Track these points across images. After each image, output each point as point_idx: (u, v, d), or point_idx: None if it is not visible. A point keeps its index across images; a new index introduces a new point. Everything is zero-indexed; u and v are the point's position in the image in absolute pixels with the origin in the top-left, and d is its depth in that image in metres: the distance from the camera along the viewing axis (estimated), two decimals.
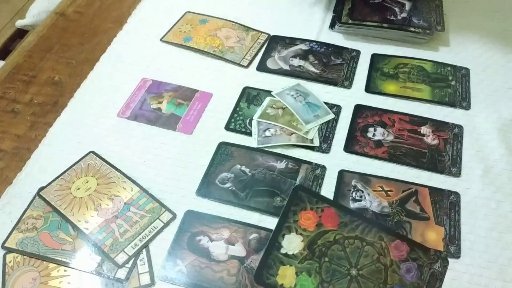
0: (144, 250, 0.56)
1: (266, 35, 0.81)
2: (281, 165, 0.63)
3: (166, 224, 0.58)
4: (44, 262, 0.56)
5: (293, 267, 0.37)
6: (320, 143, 0.65)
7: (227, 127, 0.68)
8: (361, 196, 0.60)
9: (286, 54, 0.77)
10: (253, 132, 0.67)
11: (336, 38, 0.80)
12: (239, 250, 0.56)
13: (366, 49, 0.77)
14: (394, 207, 0.58)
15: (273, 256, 0.36)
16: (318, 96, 0.71)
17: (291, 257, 0.37)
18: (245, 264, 0.55)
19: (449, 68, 0.74)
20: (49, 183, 0.63)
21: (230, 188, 0.61)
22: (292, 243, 0.37)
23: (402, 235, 0.42)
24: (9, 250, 0.57)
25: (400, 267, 0.40)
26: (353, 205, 0.59)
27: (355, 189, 0.60)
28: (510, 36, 0.79)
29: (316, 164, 0.63)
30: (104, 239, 0.57)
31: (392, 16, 0.78)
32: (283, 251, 0.36)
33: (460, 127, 0.66)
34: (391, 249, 0.40)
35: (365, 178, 0.61)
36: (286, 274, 0.37)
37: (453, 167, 0.62)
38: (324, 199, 0.40)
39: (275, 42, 0.79)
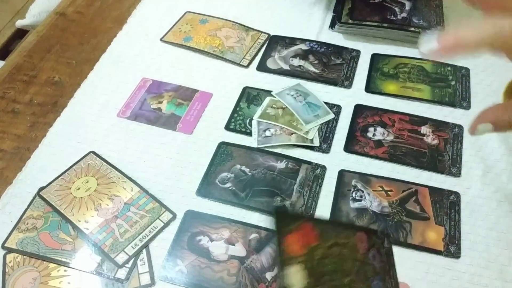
0: (144, 250, 0.56)
1: (266, 35, 0.81)
2: (281, 165, 0.63)
3: (166, 224, 0.58)
4: (44, 262, 0.56)
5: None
6: (320, 143, 0.66)
7: (227, 127, 0.68)
8: (361, 196, 0.60)
9: (286, 54, 0.77)
10: (253, 132, 0.67)
11: (336, 38, 0.80)
12: (239, 250, 0.56)
13: (366, 49, 0.77)
14: (394, 207, 0.58)
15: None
16: (318, 96, 0.71)
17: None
18: (245, 264, 0.55)
19: (449, 68, 0.74)
20: (49, 183, 0.63)
21: (230, 188, 0.61)
22: (296, 276, 0.36)
23: (355, 225, 0.44)
24: (9, 250, 0.57)
25: (368, 257, 0.40)
26: (353, 205, 0.59)
27: (355, 189, 0.60)
28: None
29: (316, 164, 0.63)
30: (104, 239, 0.57)
31: (392, 16, 0.78)
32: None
33: (460, 127, 0.66)
34: (357, 243, 0.41)
35: (365, 178, 0.61)
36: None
37: (453, 167, 0.62)
38: (296, 216, 0.40)
39: (275, 42, 0.79)
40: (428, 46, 0.35)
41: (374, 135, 0.66)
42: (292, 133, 0.66)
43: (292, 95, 0.71)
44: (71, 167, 0.64)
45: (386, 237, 0.43)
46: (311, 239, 0.38)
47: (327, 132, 0.67)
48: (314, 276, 0.37)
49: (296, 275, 0.36)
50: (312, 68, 0.75)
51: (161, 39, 0.81)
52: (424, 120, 0.67)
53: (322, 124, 0.68)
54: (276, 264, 0.37)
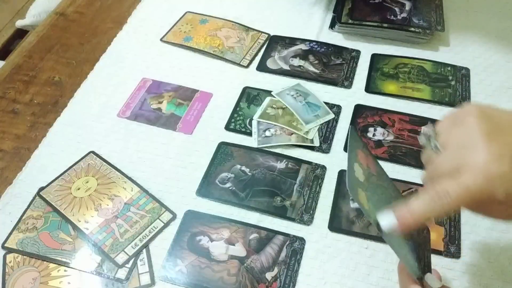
0: (144, 250, 0.56)
1: (266, 35, 0.81)
2: (281, 165, 0.63)
3: (166, 224, 0.58)
4: (44, 262, 0.56)
5: (364, 193, 0.40)
6: (320, 143, 0.65)
7: (227, 127, 0.68)
8: None
9: (286, 54, 0.77)
10: (253, 132, 0.67)
11: (336, 38, 0.80)
12: (239, 250, 0.56)
13: (366, 49, 0.78)
14: None
15: (352, 177, 0.40)
16: (318, 96, 0.71)
17: (361, 184, 0.41)
18: (245, 264, 0.55)
19: (449, 68, 0.74)
20: (49, 183, 0.63)
21: (230, 188, 0.61)
22: (359, 171, 0.41)
23: (402, 195, 0.48)
24: (9, 250, 0.57)
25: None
26: (353, 205, 0.59)
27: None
28: (510, 36, 0.79)
29: (316, 164, 0.63)
30: (104, 239, 0.57)
31: (392, 16, 0.78)
32: (356, 174, 0.41)
33: None
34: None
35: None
36: (361, 195, 0.40)
37: None
38: (365, 146, 0.46)
39: (275, 42, 0.79)
40: (388, 224, 0.38)
41: (374, 135, 0.66)
42: (292, 133, 0.66)
43: (292, 95, 0.71)
44: (71, 167, 0.64)
45: (427, 231, 0.47)
46: (373, 168, 0.44)
47: (327, 132, 0.67)
48: (369, 185, 0.42)
49: (358, 170, 0.42)
50: (312, 68, 0.75)
51: (161, 39, 0.81)
52: (424, 120, 0.67)
53: (322, 124, 0.68)
54: (348, 155, 0.42)
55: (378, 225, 0.39)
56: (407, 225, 0.38)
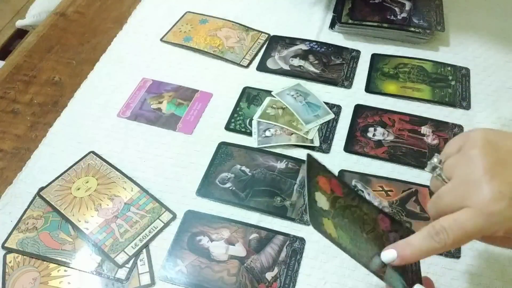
0: (144, 250, 0.56)
1: (266, 35, 0.81)
2: (281, 165, 0.63)
3: (166, 224, 0.58)
4: (44, 262, 0.56)
5: (330, 221, 0.40)
6: (320, 143, 0.65)
7: (227, 127, 0.68)
8: None
9: (286, 54, 0.77)
10: (253, 132, 0.67)
11: (336, 38, 0.80)
12: (239, 250, 0.56)
13: (366, 49, 0.77)
14: (394, 207, 0.58)
15: (313, 207, 0.39)
16: (318, 96, 0.71)
17: (326, 213, 0.40)
18: (245, 264, 0.55)
19: (449, 68, 0.74)
20: (49, 183, 0.63)
21: (230, 188, 0.61)
22: (321, 200, 0.40)
23: (381, 209, 0.45)
24: (9, 250, 0.57)
25: (389, 238, 0.43)
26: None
27: (356, 189, 0.60)
28: (510, 36, 0.79)
29: None
30: (104, 239, 0.57)
31: (392, 16, 0.78)
32: (318, 205, 0.40)
33: (460, 127, 0.66)
34: (380, 221, 0.44)
35: (365, 178, 0.61)
36: (328, 225, 0.40)
37: None
38: (326, 170, 0.43)
39: (275, 42, 0.79)
40: (388, 257, 0.39)
41: (374, 135, 0.66)
42: (292, 133, 0.66)
43: (292, 95, 0.71)
44: (71, 167, 0.64)
45: (409, 229, 0.46)
46: (338, 191, 0.42)
47: (327, 132, 0.67)
48: (336, 212, 0.41)
49: (321, 199, 0.40)
50: (312, 68, 0.75)
51: (161, 39, 0.81)
52: (424, 120, 0.67)
53: (322, 124, 0.68)
54: (306, 186, 0.40)
55: (347, 250, 0.39)
56: (406, 259, 0.39)
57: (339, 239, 0.39)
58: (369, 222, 0.43)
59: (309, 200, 0.39)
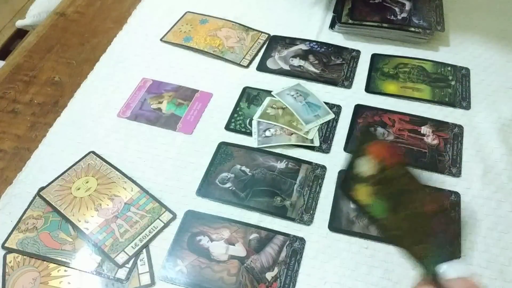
0: (144, 250, 0.56)
1: (266, 35, 0.81)
2: (281, 165, 0.63)
3: (166, 224, 0.58)
4: (44, 262, 0.56)
5: (368, 188, 0.40)
6: (320, 143, 0.65)
7: (227, 127, 0.68)
8: None
9: (286, 54, 0.77)
10: (253, 132, 0.67)
11: (336, 38, 0.80)
12: (239, 250, 0.56)
13: (366, 49, 0.78)
14: None
15: (350, 174, 0.40)
16: (318, 96, 0.71)
17: (364, 179, 0.40)
18: (245, 264, 0.55)
19: (449, 68, 0.74)
20: (49, 183, 0.63)
21: (230, 188, 0.61)
22: (364, 166, 0.40)
23: (429, 191, 0.46)
24: (9, 250, 0.57)
25: (431, 221, 0.43)
26: (353, 205, 0.59)
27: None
28: (510, 36, 0.79)
29: (316, 164, 0.63)
30: (104, 239, 0.57)
31: (392, 16, 0.78)
32: (356, 171, 0.40)
33: (460, 127, 0.66)
34: (426, 202, 0.43)
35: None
36: (362, 191, 0.40)
37: (453, 167, 0.62)
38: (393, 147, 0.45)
39: (275, 42, 0.79)
40: None
41: None
42: (292, 133, 0.66)
43: (292, 95, 0.71)
44: (71, 167, 0.64)
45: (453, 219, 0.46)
46: (391, 160, 0.42)
47: (327, 132, 0.67)
48: (381, 178, 0.41)
49: (363, 165, 0.40)
50: (312, 68, 0.75)
51: (161, 39, 0.81)
52: (424, 120, 0.67)
53: (322, 124, 0.68)
54: (351, 152, 0.41)
55: (374, 220, 0.39)
56: None
57: (369, 207, 0.40)
58: (414, 200, 0.42)
59: (349, 164, 0.40)
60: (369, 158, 0.41)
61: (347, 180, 0.40)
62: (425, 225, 0.41)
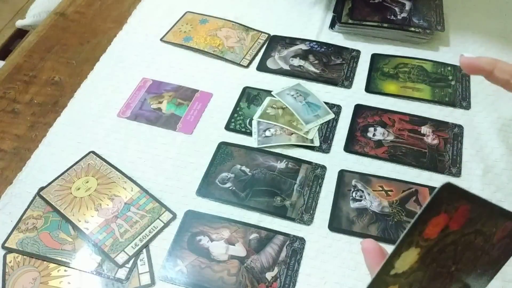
0: (144, 250, 0.56)
1: (266, 35, 0.81)
2: (281, 165, 0.63)
3: (166, 224, 0.58)
4: (44, 262, 0.56)
5: (397, 285, 0.32)
6: (320, 143, 0.66)
7: (227, 127, 0.68)
8: (361, 196, 0.60)
9: (286, 54, 0.77)
10: (253, 132, 0.67)
11: (336, 38, 0.80)
12: (239, 250, 0.56)
13: (366, 49, 0.78)
14: (394, 207, 0.58)
15: (380, 281, 0.31)
16: (318, 96, 0.71)
17: (399, 276, 0.32)
18: (245, 264, 0.55)
19: (449, 68, 0.74)
20: (49, 183, 0.63)
21: (230, 188, 0.61)
22: (406, 260, 0.31)
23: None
24: (9, 250, 0.57)
25: (493, 247, 0.36)
26: (353, 205, 0.59)
27: (355, 189, 0.60)
28: (510, 36, 0.79)
29: (316, 164, 0.63)
30: (104, 239, 0.57)
31: (392, 16, 0.78)
32: (392, 272, 0.31)
33: (460, 127, 0.66)
34: (498, 233, 0.35)
35: (365, 178, 0.61)
36: None
37: (453, 167, 0.62)
38: (468, 196, 0.32)
39: (275, 42, 0.79)
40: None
41: (374, 135, 0.66)
42: (292, 133, 0.66)
43: (292, 95, 0.71)
44: (71, 167, 0.64)
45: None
46: (456, 224, 0.32)
47: (327, 132, 0.67)
48: (424, 262, 0.32)
49: (407, 257, 0.31)
50: (312, 68, 0.75)
51: (161, 39, 0.81)
52: (424, 120, 0.67)
53: (322, 124, 0.68)
54: (398, 244, 0.30)
55: None
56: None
57: None
58: (478, 243, 0.34)
59: (380, 271, 0.31)
60: (416, 243, 0.31)
61: None
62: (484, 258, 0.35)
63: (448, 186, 0.30)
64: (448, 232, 0.32)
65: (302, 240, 0.56)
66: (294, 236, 0.57)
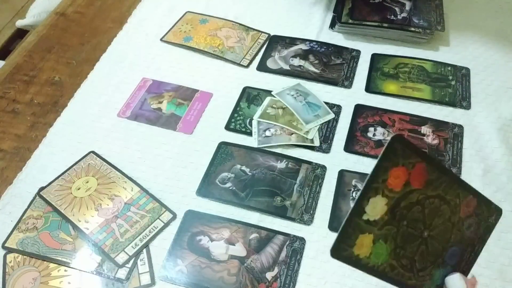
0: (144, 250, 0.56)
1: (266, 35, 0.81)
2: (281, 165, 0.63)
3: (166, 224, 0.58)
4: (45, 262, 0.56)
5: (372, 235, 0.35)
6: (320, 143, 0.66)
7: (227, 127, 0.68)
8: None
9: (286, 54, 0.77)
10: (253, 132, 0.67)
11: (336, 38, 0.80)
12: (239, 250, 0.56)
13: (366, 49, 0.78)
14: None
15: (354, 224, 0.34)
16: (318, 96, 0.71)
17: (372, 224, 0.34)
18: (245, 264, 0.55)
19: (449, 68, 0.74)
20: (49, 183, 0.63)
21: (230, 188, 0.61)
22: (376, 208, 0.34)
23: (474, 189, 0.39)
24: (10, 250, 0.57)
25: (463, 224, 0.38)
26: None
27: (356, 189, 0.60)
28: (510, 36, 0.79)
29: (316, 164, 0.63)
30: (104, 239, 0.57)
31: (392, 16, 0.78)
32: (365, 217, 0.34)
33: (460, 127, 0.66)
34: (462, 207, 0.38)
35: (365, 178, 0.61)
36: (364, 243, 0.35)
37: (453, 167, 0.62)
38: (418, 152, 0.35)
39: (275, 42, 0.79)
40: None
41: (374, 135, 0.66)
42: (292, 133, 0.66)
43: (292, 95, 0.71)
44: (71, 167, 0.64)
45: (498, 214, 0.40)
46: (416, 181, 0.35)
47: (327, 132, 0.67)
48: (393, 216, 0.35)
49: (377, 205, 0.34)
50: (312, 68, 0.75)
51: (161, 39, 0.81)
52: (424, 120, 0.67)
53: (322, 124, 0.68)
54: (364, 187, 0.34)
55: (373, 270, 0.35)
56: None
57: (369, 257, 0.35)
58: (445, 212, 0.37)
59: (352, 212, 0.34)
60: (382, 193, 0.35)
61: (345, 239, 0.34)
62: (456, 232, 0.37)
63: (398, 137, 0.34)
64: (411, 189, 0.35)
65: (302, 240, 0.56)
66: (294, 236, 0.57)
